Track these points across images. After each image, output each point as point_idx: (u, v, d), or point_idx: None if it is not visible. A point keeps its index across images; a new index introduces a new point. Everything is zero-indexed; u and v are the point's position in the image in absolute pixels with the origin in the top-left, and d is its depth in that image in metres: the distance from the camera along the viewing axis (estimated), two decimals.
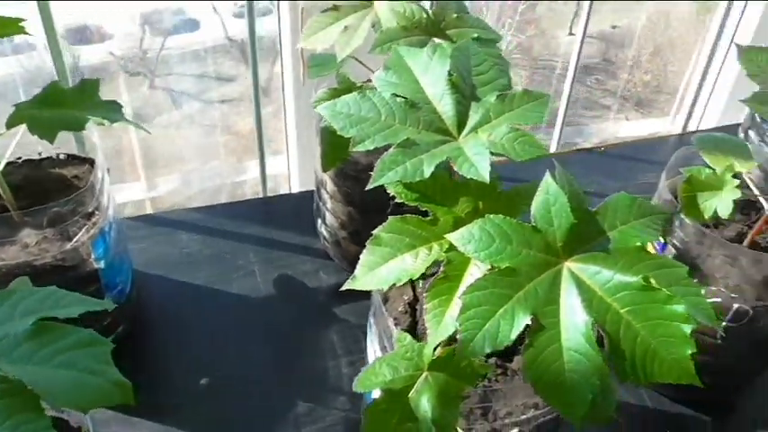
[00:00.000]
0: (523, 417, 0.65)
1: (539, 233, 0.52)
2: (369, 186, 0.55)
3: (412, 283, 0.77)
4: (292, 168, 1.46)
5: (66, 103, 0.73)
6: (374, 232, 0.58)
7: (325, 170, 0.87)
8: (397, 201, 0.92)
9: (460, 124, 0.59)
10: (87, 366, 0.45)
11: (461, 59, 0.63)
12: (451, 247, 0.56)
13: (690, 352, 0.48)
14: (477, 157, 0.55)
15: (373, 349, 0.71)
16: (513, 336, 0.49)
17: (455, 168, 0.55)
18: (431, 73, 0.62)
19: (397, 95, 0.60)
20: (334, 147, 0.84)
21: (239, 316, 0.97)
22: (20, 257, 0.76)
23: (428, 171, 0.55)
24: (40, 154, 0.90)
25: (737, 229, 0.87)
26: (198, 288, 1.00)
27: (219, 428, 0.84)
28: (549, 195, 0.52)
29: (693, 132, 1.52)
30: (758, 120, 1.20)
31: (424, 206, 0.59)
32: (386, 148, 0.57)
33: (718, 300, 0.79)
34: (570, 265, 0.51)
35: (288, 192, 1.43)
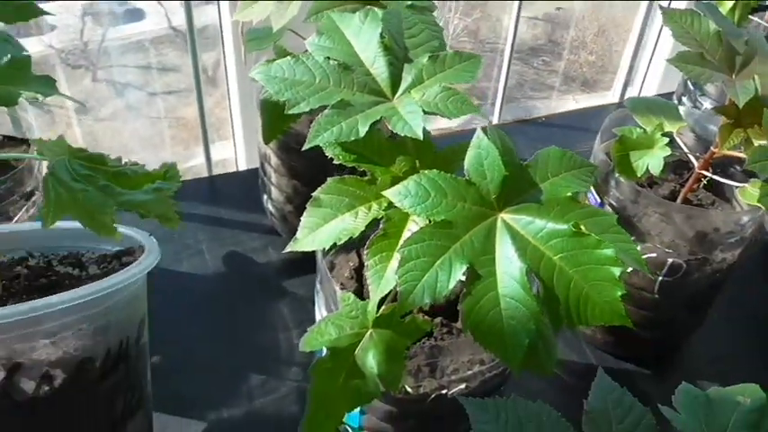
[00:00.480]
0: (470, 372, 0.67)
1: (473, 186, 0.53)
2: (305, 147, 0.56)
3: (357, 250, 0.78)
4: (239, 152, 1.46)
5: None
6: (314, 194, 0.59)
7: (266, 142, 0.87)
8: (341, 174, 0.93)
9: (394, 85, 0.60)
10: None
11: (393, 23, 0.64)
12: (390, 205, 0.57)
13: (620, 294, 0.50)
14: (410, 115, 0.56)
15: (321, 315, 0.72)
16: (451, 285, 0.50)
17: (390, 127, 0.56)
18: (363, 37, 0.62)
19: (331, 59, 0.60)
20: (273, 118, 0.84)
21: (189, 294, 0.97)
22: None
23: (363, 130, 0.56)
24: None
25: (671, 188, 0.90)
26: None
27: (172, 405, 0.84)
28: (480, 150, 0.54)
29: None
30: (690, 87, 1.24)
31: (362, 166, 0.59)
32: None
33: (654, 255, 0.82)
34: (504, 217, 0.53)
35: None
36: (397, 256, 0.55)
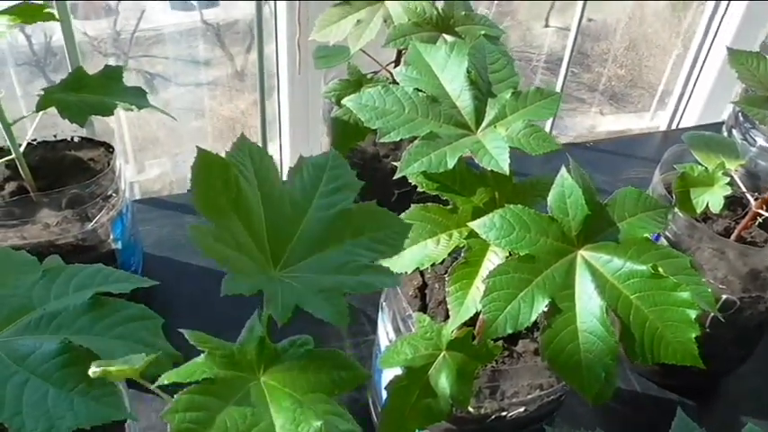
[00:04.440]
0: (529, 397, 0.69)
1: (555, 223, 0.55)
2: (397, 175, 0.58)
3: (420, 270, 0.81)
4: (284, 156, 1.48)
5: (92, 88, 0.75)
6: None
7: None
8: (401, 191, 0.96)
9: (478, 119, 0.63)
10: (141, 338, 0.49)
11: (478, 57, 0.67)
12: (471, 235, 0.60)
13: (694, 335, 0.53)
14: (496, 150, 0.59)
15: (386, 331, 0.75)
16: (533, 318, 0.53)
17: (476, 161, 0.59)
18: (449, 70, 0.65)
19: (419, 90, 0.63)
20: (344, 136, 0.87)
21: (246, 299, 1.00)
22: (41, 237, 0.79)
23: (451, 162, 0.58)
24: (55, 136, 0.92)
25: (725, 225, 0.92)
26: (205, 270, 1.03)
27: None
28: (564, 188, 0.56)
29: (678, 130, 1.57)
30: (740, 119, 1.25)
31: (444, 195, 0.62)
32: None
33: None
34: (584, 254, 0.55)
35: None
36: (477, 286, 0.58)
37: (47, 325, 0.48)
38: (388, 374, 0.74)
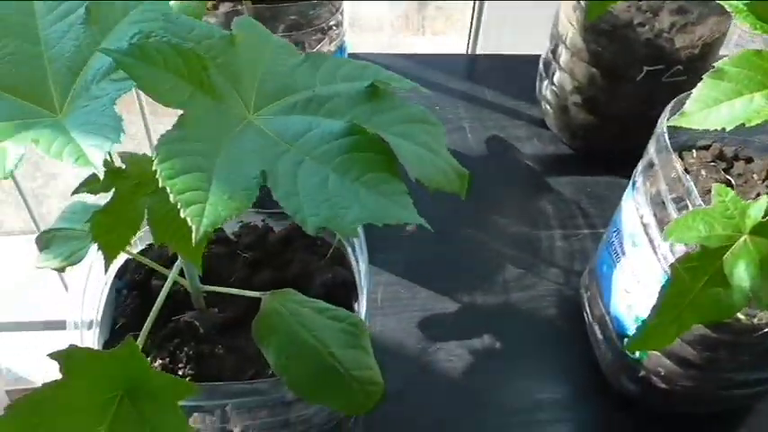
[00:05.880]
0: None
1: None
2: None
3: (680, 153, 0.69)
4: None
5: None
6: (716, 64, 0.50)
7: (590, 18, 0.77)
8: (651, 69, 0.83)
9: None
10: (426, 143, 0.40)
11: None
12: None
13: None
14: None
15: (639, 213, 0.63)
16: None
17: None
18: None
19: None
20: None
21: None
22: None
23: None
24: None
25: None
26: None
27: (424, 275, 0.79)
28: None
29: None
30: None
31: None
32: None
33: None
34: None
35: None
36: None
37: (317, 109, 0.40)
38: (625, 264, 0.64)
